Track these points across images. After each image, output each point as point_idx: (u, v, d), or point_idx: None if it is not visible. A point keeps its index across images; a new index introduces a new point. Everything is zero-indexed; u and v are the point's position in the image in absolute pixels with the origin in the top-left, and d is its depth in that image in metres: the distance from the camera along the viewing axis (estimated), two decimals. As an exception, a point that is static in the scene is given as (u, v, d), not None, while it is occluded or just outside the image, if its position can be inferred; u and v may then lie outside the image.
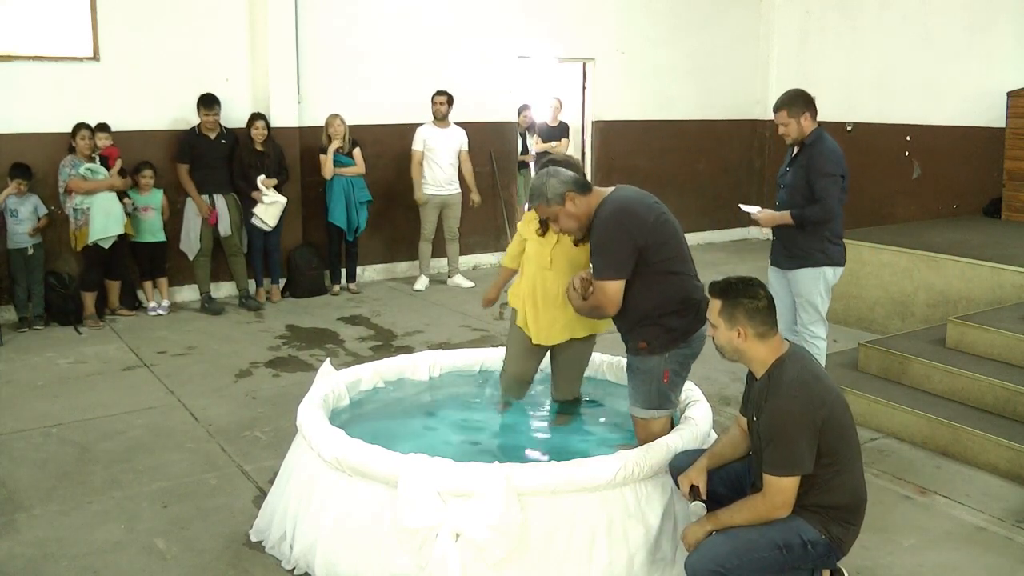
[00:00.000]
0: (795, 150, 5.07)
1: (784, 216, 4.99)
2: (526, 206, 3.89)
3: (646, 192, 3.76)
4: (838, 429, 3.00)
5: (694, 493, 3.29)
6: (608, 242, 3.56)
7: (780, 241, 5.14)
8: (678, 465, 3.43)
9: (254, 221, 7.99)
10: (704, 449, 3.54)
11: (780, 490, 2.96)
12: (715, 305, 3.14)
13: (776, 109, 4.97)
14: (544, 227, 4.10)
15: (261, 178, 7.89)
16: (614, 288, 3.56)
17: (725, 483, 3.33)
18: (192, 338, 7.10)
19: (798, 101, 4.94)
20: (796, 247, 5.03)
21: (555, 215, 3.67)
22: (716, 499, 3.33)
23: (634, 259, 3.54)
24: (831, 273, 5.07)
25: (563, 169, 3.72)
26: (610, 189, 3.71)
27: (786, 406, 2.96)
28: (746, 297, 3.08)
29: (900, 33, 10.02)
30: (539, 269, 4.16)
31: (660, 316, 3.62)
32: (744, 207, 5.31)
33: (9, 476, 4.53)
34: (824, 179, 4.87)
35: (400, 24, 9.07)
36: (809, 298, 5.06)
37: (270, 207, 7.96)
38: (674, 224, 3.70)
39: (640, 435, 3.78)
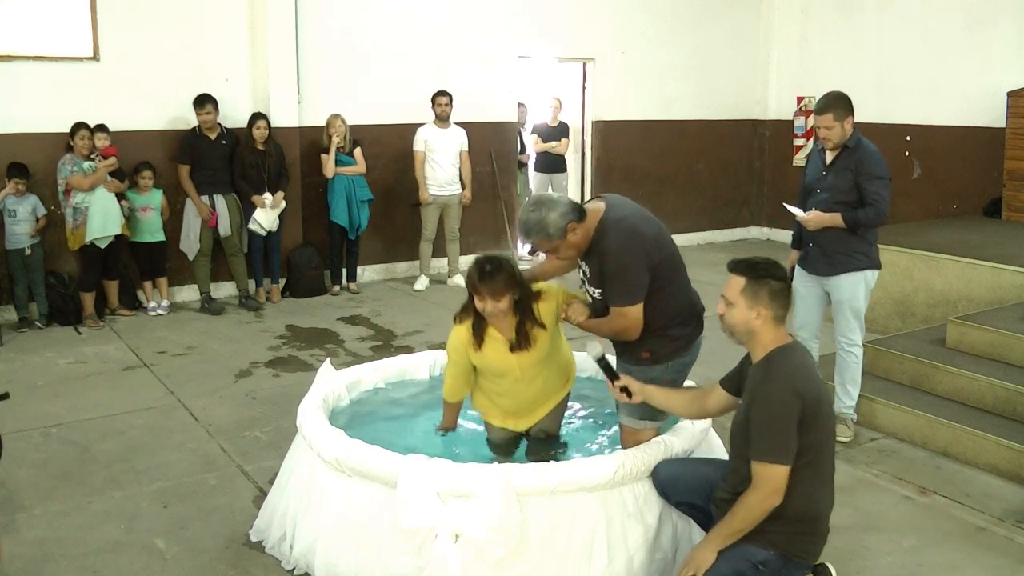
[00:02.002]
0: (828, 153, 4.92)
1: (835, 218, 4.80)
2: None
3: (633, 201, 3.71)
4: (818, 430, 2.96)
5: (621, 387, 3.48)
6: (625, 268, 3.50)
7: (819, 247, 4.93)
8: (661, 475, 3.43)
9: (251, 226, 7.99)
10: (690, 459, 3.56)
11: (771, 478, 2.90)
12: (738, 282, 3.03)
13: (820, 112, 4.77)
14: (480, 338, 3.73)
15: (268, 198, 7.90)
16: (637, 312, 3.52)
17: (699, 495, 3.31)
18: (192, 338, 7.10)
19: (842, 103, 4.76)
20: (839, 251, 4.86)
21: (556, 248, 3.58)
22: (696, 512, 3.35)
23: (648, 278, 3.51)
24: (871, 276, 4.95)
25: (556, 197, 3.61)
26: (600, 206, 3.59)
27: (781, 391, 2.91)
28: (773, 278, 3.01)
29: (900, 33, 10.02)
30: (512, 383, 3.84)
31: (667, 328, 3.61)
32: (789, 207, 5.08)
33: (9, 476, 4.53)
34: (876, 182, 4.76)
35: (400, 24, 9.07)
36: (853, 303, 4.92)
37: (271, 212, 7.99)
38: (666, 231, 3.67)
39: (627, 445, 3.73)
